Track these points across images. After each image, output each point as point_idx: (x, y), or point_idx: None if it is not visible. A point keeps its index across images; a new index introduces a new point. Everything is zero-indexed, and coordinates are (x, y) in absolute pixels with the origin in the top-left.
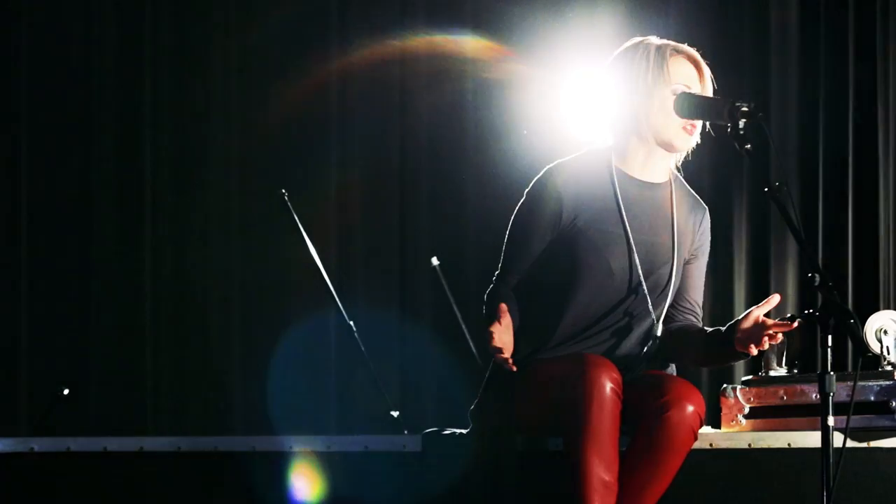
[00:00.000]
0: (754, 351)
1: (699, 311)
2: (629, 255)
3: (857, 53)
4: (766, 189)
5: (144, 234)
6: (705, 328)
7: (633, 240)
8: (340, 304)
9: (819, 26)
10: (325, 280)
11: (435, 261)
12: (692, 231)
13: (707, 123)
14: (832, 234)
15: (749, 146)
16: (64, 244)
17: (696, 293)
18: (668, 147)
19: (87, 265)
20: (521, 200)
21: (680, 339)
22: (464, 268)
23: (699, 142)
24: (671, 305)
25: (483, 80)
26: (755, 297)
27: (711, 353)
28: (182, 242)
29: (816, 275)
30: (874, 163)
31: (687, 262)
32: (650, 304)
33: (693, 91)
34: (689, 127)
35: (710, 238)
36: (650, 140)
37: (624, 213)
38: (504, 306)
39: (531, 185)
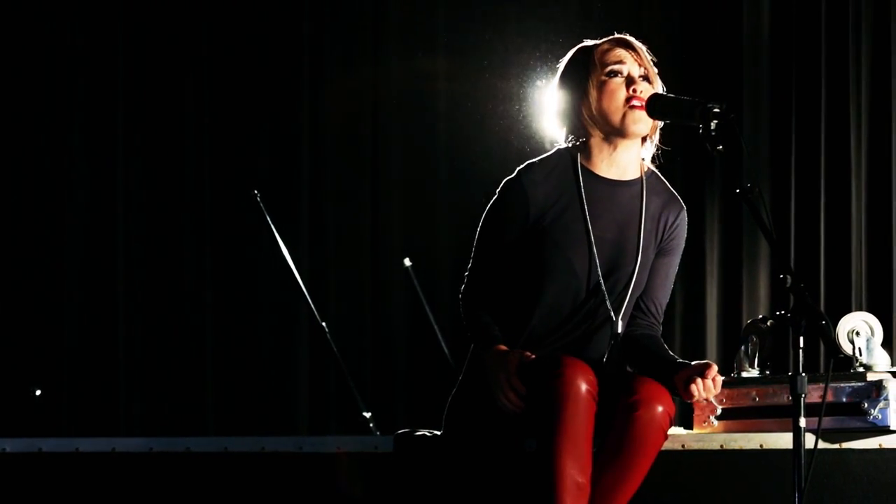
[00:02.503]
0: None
1: (660, 318)
2: (590, 255)
3: (829, 56)
4: (737, 190)
5: (117, 235)
6: (663, 355)
7: (595, 238)
8: (312, 305)
9: (791, 29)
10: (297, 281)
11: (407, 262)
12: (662, 228)
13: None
14: (804, 235)
15: (720, 147)
16: (36, 243)
17: (661, 293)
18: (624, 132)
19: (59, 265)
20: (492, 200)
21: (641, 354)
22: (436, 269)
23: (659, 129)
24: (634, 307)
25: (456, 81)
26: (727, 298)
27: (660, 381)
28: (154, 242)
29: (788, 276)
30: (846, 164)
31: (655, 257)
32: (610, 303)
33: (664, 92)
34: (635, 103)
35: (684, 237)
36: (605, 133)
37: (587, 211)
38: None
39: (501, 185)
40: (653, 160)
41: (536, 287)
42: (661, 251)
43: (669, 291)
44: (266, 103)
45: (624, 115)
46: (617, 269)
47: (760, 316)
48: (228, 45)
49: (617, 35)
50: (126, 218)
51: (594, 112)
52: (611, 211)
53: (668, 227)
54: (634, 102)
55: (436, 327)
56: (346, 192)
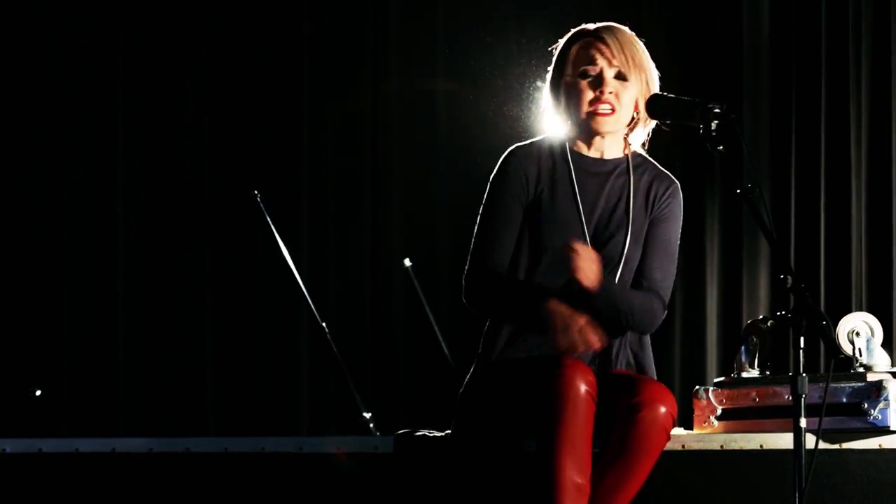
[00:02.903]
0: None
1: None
2: (582, 232)
3: (829, 56)
4: (738, 191)
5: (117, 235)
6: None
7: (585, 215)
8: (312, 305)
9: (791, 30)
10: (297, 281)
11: (407, 262)
12: (653, 200)
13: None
14: (804, 235)
15: (721, 148)
16: (36, 243)
17: (654, 264)
18: (591, 128)
19: (59, 265)
20: (489, 186)
21: None
22: (436, 269)
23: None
24: (632, 283)
25: (457, 81)
26: (727, 299)
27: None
28: (155, 243)
29: (789, 276)
30: (846, 164)
31: (648, 228)
32: None
33: (663, 93)
34: (601, 108)
35: (678, 209)
36: (579, 124)
37: (577, 188)
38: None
39: (495, 171)
40: (643, 145)
41: (530, 265)
42: (654, 221)
43: (665, 270)
44: (266, 103)
45: (587, 118)
46: (608, 244)
47: (761, 316)
48: (228, 46)
49: (600, 24)
50: (126, 218)
51: (562, 105)
52: (601, 188)
53: (657, 199)
54: (600, 107)
55: (436, 327)
56: (346, 192)
